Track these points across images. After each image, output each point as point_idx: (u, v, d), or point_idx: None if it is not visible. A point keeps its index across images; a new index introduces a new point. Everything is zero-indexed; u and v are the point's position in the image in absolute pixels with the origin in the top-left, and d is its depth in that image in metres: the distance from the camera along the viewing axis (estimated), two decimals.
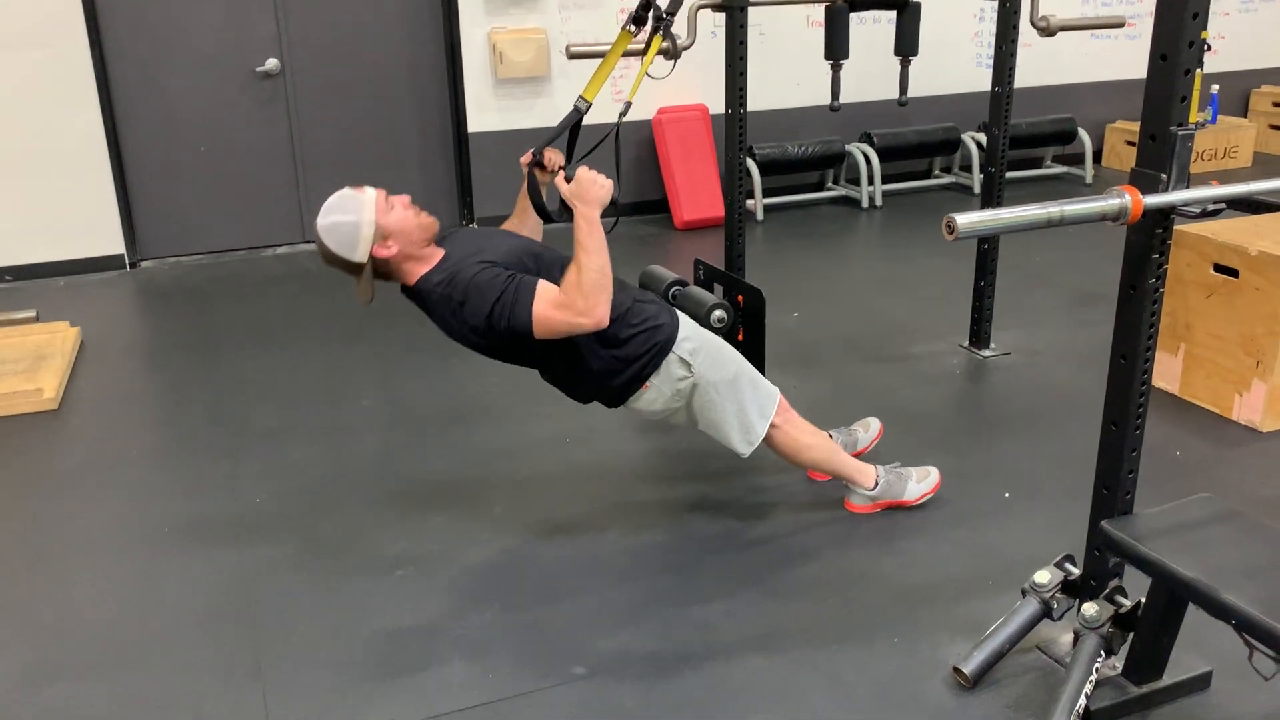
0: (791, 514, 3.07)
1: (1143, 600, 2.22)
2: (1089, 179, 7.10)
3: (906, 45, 3.75)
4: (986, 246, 4.08)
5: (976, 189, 6.84)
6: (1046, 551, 2.80)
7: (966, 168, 7.01)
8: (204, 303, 5.08)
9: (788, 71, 6.57)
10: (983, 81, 7.09)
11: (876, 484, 3.01)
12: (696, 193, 6.21)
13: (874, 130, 6.67)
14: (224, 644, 2.54)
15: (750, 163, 6.31)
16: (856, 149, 6.59)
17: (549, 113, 6.12)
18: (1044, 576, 2.39)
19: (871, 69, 5.97)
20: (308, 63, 5.78)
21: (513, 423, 3.69)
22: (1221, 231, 3.61)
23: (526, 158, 2.91)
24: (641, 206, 6.49)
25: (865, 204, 6.56)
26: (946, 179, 7.05)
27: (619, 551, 2.90)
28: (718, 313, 3.45)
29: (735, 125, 3.59)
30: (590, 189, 2.60)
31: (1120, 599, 2.26)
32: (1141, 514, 2.19)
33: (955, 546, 2.87)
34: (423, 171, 6.16)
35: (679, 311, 2.92)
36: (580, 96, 2.92)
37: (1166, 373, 3.80)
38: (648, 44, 3.04)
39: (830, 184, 6.81)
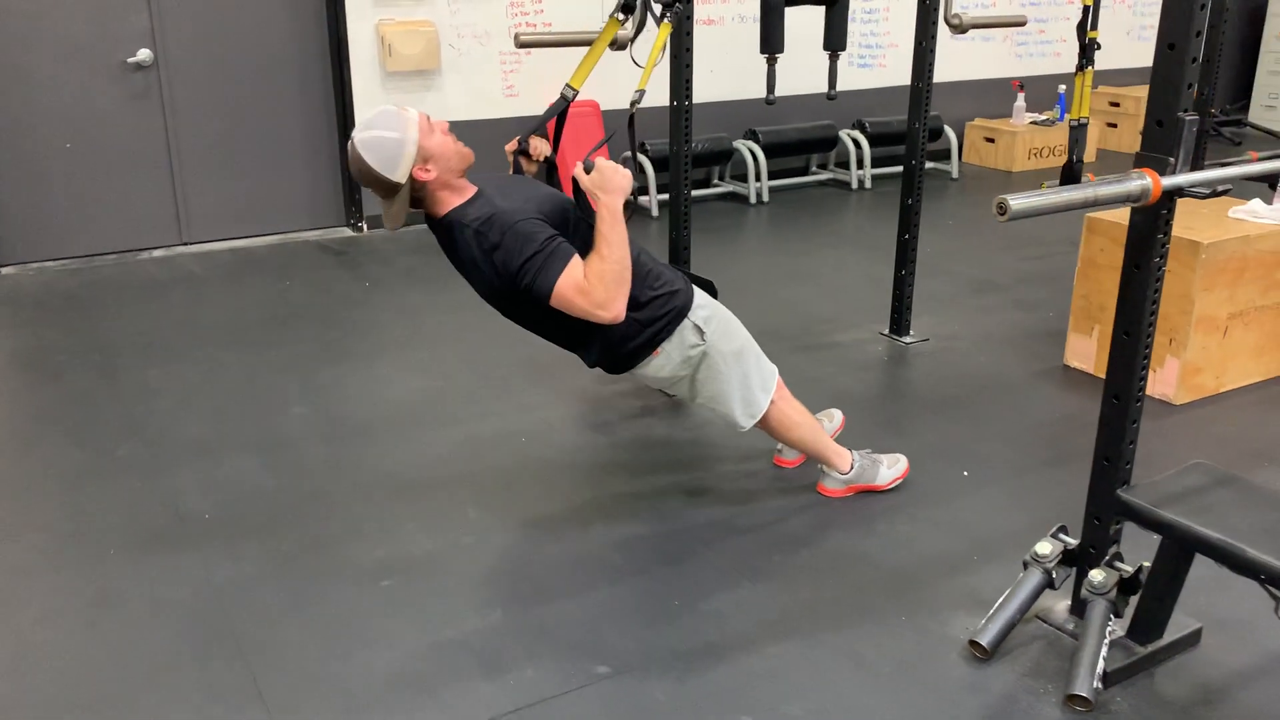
0: (767, 501, 3.09)
1: (1145, 564, 2.34)
2: (955, 174, 7.44)
3: (835, 40, 3.82)
4: (907, 237, 4.22)
5: (854, 184, 7.06)
6: (1016, 525, 2.94)
7: (842, 164, 7.23)
8: (84, 311, 4.72)
9: None
10: (856, 80, 7.37)
11: (851, 468, 3.07)
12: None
13: (758, 127, 6.80)
14: (215, 671, 2.36)
15: (644, 159, 6.32)
16: (743, 145, 6.69)
17: (439, 107, 5.98)
18: (1045, 548, 2.49)
19: (753, 66, 6.08)
20: (183, 54, 5.44)
21: (458, 424, 3.58)
22: None
23: (512, 145, 2.84)
24: None
25: (754, 199, 6.68)
26: (823, 175, 7.25)
27: (608, 546, 2.85)
28: None
29: (681, 117, 3.60)
30: (614, 178, 2.57)
31: (1122, 565, 2.38)
32: (1146, 483, 2.30)
33: (931, 525, 2.96)
34: (308, 168, 5.90)
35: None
36: (567, 84, 2.88)
37: (1082, 353, 4.02)
38: (635, 30, 3.03)
39: (718, 180, 6.90)
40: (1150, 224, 2.19)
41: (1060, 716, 2.21)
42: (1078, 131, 4.66)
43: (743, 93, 6.86)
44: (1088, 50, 4.59)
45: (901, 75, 7.39)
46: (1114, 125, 8.31)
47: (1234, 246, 3.63)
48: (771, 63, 3.81)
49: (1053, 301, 4.79)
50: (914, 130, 4.12)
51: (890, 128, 7.22)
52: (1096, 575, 2.37)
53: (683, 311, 2.75)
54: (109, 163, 5.39)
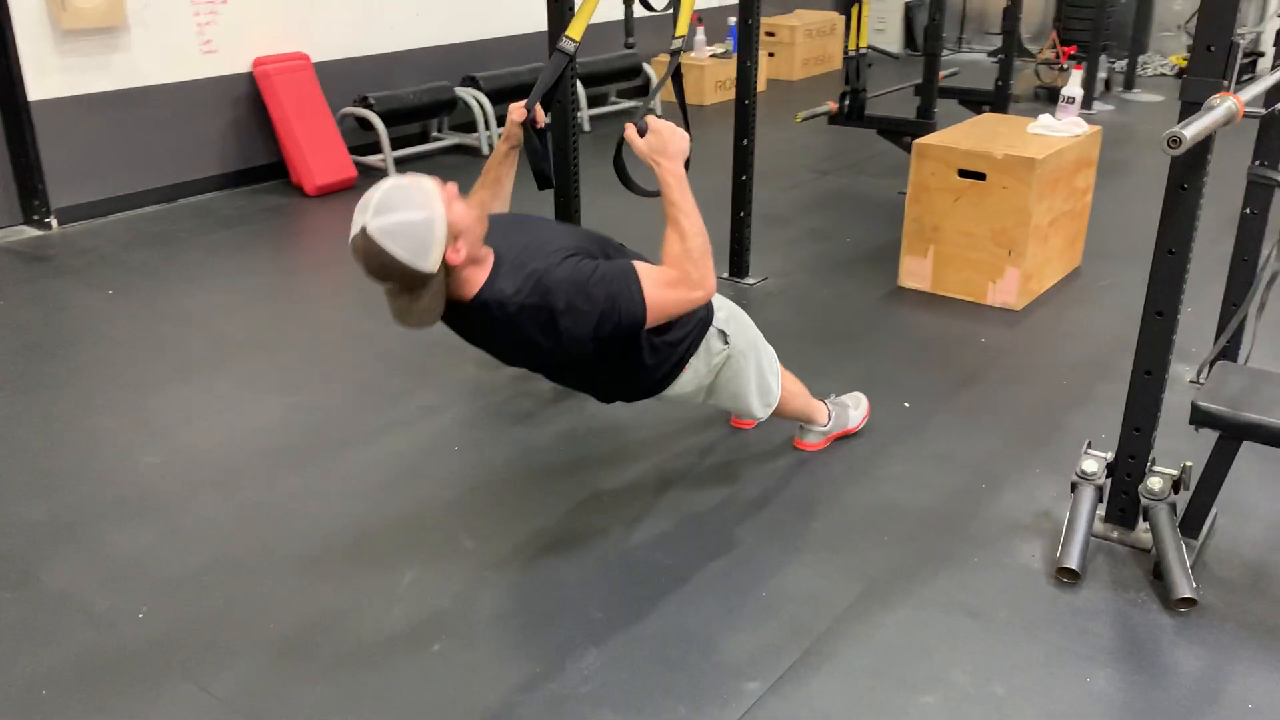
0: (756, 468, 2.95)
1: (1187, 464, 2.52)
2: (660, 111, 7.50)
3: None
4: (745, 179, 4.18)
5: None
6: (991, 446, 3.08)
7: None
8: None
9: (383, 12, 6.04)
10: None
11: (829, 419, 3.02)
12: (322, 153, 5.50)
13: (479, 74, 6.41)
14: None
15: (369, 114, 5.73)
16: (469, 94, 6.28)
17: (129, 71, 5.01)
18: (1091, 465, 2.59)
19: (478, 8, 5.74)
20: None
21: (368, 443, 3.06)
22: (960, 141, 4.07)
23: (521, 114, 2.43)
24: (251, 174, 5.60)
25: (486, 150, 6.30)
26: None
27: (643, 548, 2.58)
28: None
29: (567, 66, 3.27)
30: (674, 140, 2.27)
31: (1164, 469, 2.54)
32: (1203, 388, 2.45)
33: (920, 462, 2.98)
34: None
35: None
36: (565, 36, 2.50)
37: (917, 273, 4.23)
38: None
39: (438, 132, 6.41)
40: (1202, 145, 2.30)
41: (1173, 621, 2.33)
42: (859, 60, 4.87)
43: (461, 35, 6.42)
44: None
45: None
46: (773, 55, 8.77)
47: (1055, 160, 3.97)
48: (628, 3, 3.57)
49: (842, 229, 5.00)
50: (745, 69, 4.06)
51: (593, 67, 7.08)
52: (1155, 483, 2.51)
53: (707, 320, 2.51)
54: None
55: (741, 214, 4.24)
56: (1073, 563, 2.45)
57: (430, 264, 1.98)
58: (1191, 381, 3.44)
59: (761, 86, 8.31)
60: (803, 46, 8.78)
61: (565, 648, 2.24)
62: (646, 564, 2.53)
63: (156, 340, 3.74)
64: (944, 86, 6.22)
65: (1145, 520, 2.55)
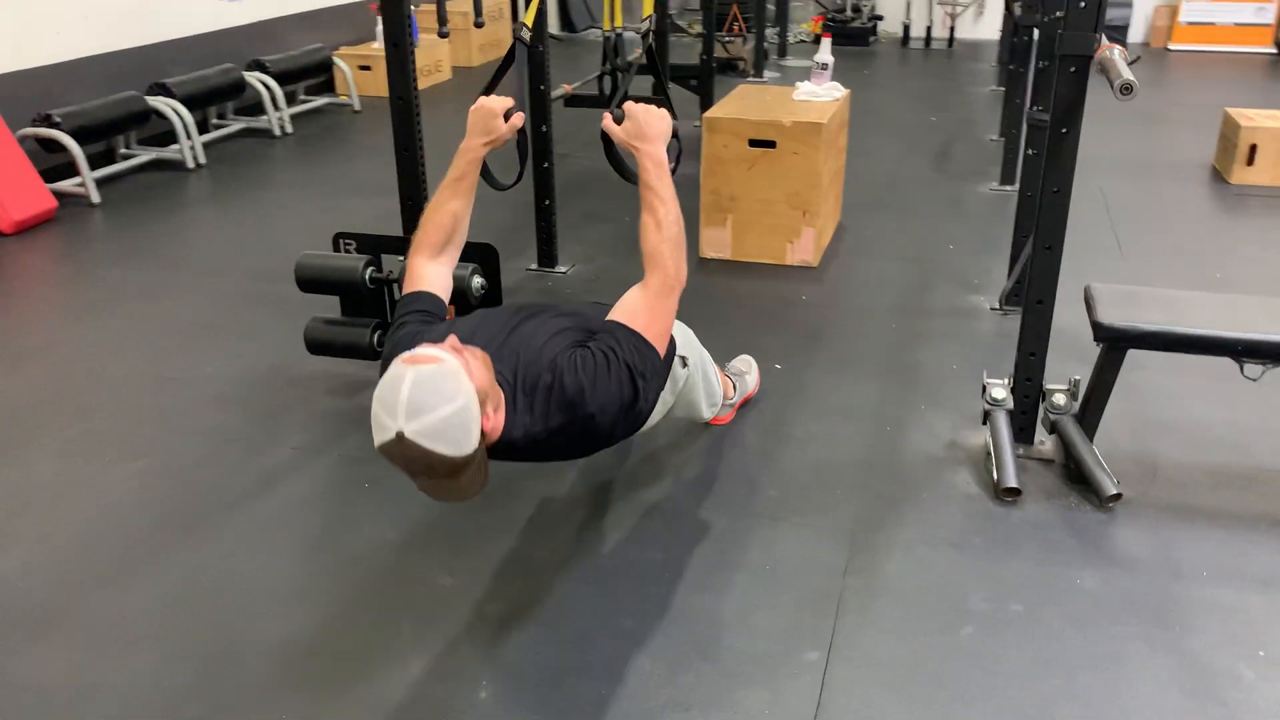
0: (680, 451, 2.95)
1: (1076, 378, 2.83)
2: (357, 106, 7.13)
3: None
4: (547, 165, 4.11)
5: (277, 131, 6.35)
6: (871, 391, 3.33)
7: (244, 110, 6.45)
8: None
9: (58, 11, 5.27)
10: (232, 17, 6.45)
11: (734, 390, 3.07)
12: (12, 184, 4.71)
13: (169, 80, 5.76)
14: None
15: (57, 134, 4.99)
16: (163, 104, 5.62)
17: None
18: (1000, 393, 2.85)
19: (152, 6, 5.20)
20: None
21: (255, 500, 2.72)
22: (747, 112, 4.24)
23: (518, 120, 2.25)
24: None
25: (191, 164, 5.68)
26: (236, 125, 6.38)
27: (627, 550, 2.52)
28: (478, 279, 3.04)
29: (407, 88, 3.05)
30: (653, 122, 2.19)
31: (1058, 385, 2.84)
32: (1092, 307, 2.74)
33: (825, 418, 3.11)
34: None
35: None
36: (520, 24, 2.34)
37: (717, 243, 4.38)
38: None
39: (126, 148, 5.69)
40: (1076, 93, 2.57)
41: (1108, 516, 2.63)
42: (618, 40, 4.92)
43: (148, 37, 5.78)
44: None
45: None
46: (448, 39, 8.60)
47: (833, 123, 4.25)
48: None
49: (614, 209, 5.02)
50: (538, 54, 3.97)
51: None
52: (1059, 398, 2.80)
53: (673, 352, 2.43)
54: None
55: (546, 202, 4.16)
56: (1013, 482, 2.68)
57: (473, 444, 1.74)
58: (993, 309, 3.86)
59: (446, 74, 8.18)
60: (476, 32, 8.68)
61: (617, 663, 2.15)
62: (641, 563, 2.46)
63: None
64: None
65: (1051, 434, 2.86)
